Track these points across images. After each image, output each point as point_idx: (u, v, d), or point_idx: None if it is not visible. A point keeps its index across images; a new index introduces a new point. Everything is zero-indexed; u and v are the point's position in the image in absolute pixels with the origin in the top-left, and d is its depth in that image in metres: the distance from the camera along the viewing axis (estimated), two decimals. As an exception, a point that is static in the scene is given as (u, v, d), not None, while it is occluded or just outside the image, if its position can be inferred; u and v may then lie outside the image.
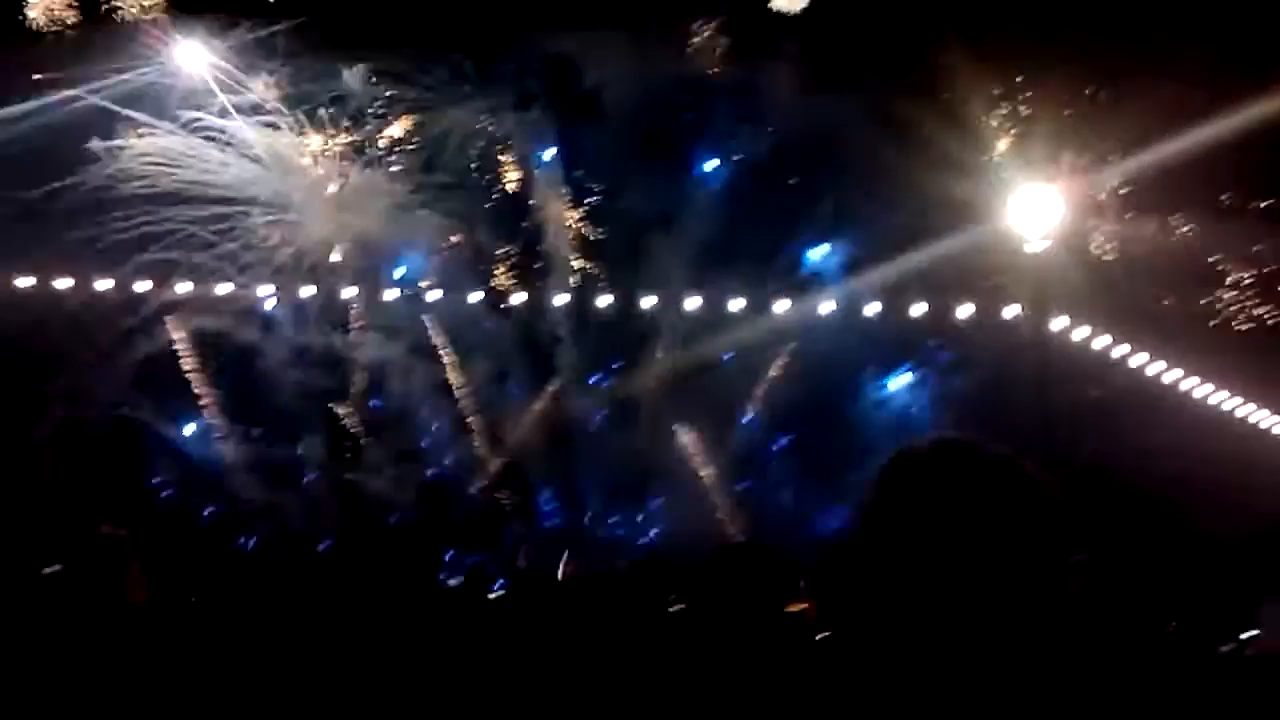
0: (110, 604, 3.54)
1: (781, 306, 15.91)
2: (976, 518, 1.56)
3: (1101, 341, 15.92)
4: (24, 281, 14.94)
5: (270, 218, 15.82)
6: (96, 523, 3.72)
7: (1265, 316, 15.34)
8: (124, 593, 3.60)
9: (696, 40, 15.93)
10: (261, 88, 15.81)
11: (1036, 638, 1.56)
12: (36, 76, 14.71)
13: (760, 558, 3.36)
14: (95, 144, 15.07)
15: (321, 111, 16.10)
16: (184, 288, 15.43)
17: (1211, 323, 15.36)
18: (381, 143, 16.47)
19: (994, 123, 14.55)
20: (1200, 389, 16.32)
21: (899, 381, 16.46)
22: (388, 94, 16.36)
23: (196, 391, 16.19)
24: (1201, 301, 15.35)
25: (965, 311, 15.86)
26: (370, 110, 16.33)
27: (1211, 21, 13.41)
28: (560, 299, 16.42)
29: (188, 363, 16.05)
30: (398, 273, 16.67)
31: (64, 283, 15.07)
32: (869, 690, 1.58)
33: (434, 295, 16.33)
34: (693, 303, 16.06)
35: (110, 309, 15.32)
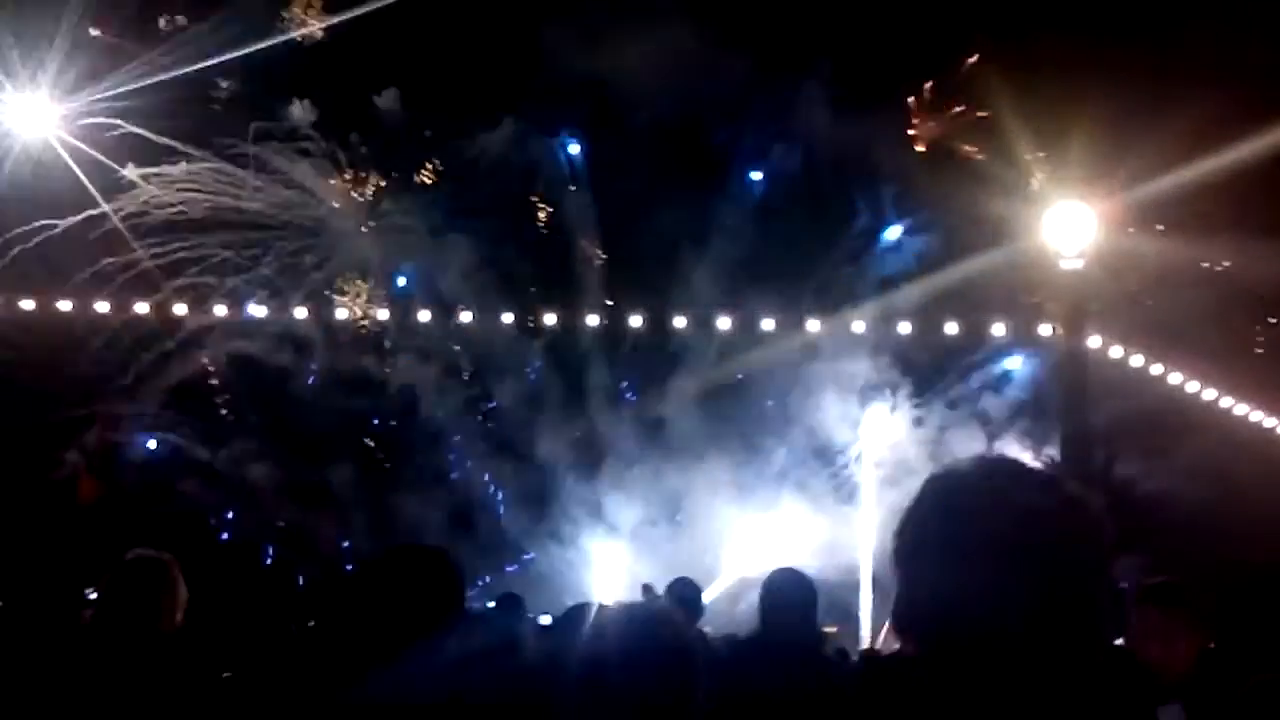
0: (150, 629, 3.56)
1: (814, 325, 15.87)
2: (1021, 538, 1.53)
3: (1137, 360, 15.78)
4: (63, 305, 15.13)
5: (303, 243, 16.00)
6: (137, 546, 3.74)
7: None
8: (166, 618, 3.61)
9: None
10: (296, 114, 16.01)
11: (1085, 662, 1.53)
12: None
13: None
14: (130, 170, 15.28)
15: (354, 138, 16.30)
16: (219, 311, 15.57)
17: (1258, 350, 15.15)
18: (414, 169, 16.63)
19: (1030, 140, 14.47)
20: (1239, 409, 16.14)
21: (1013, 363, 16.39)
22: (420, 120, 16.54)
23: (229, 415, 16.34)
24: (1242, 327, 15.15)
25: (1000, 329, 15.78)
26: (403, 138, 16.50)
27: (1253, 36, 13.28)
28: (591, 320, 16.46)
29: (221, 386, 16.20)
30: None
31: (101, 306, 15.24)
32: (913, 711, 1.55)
33: (466, 318, 16.41)
34: (724, 322, 16.04)
35: (146, 332, 15.51)
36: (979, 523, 1.53)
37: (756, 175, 16.74)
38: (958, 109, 15.66)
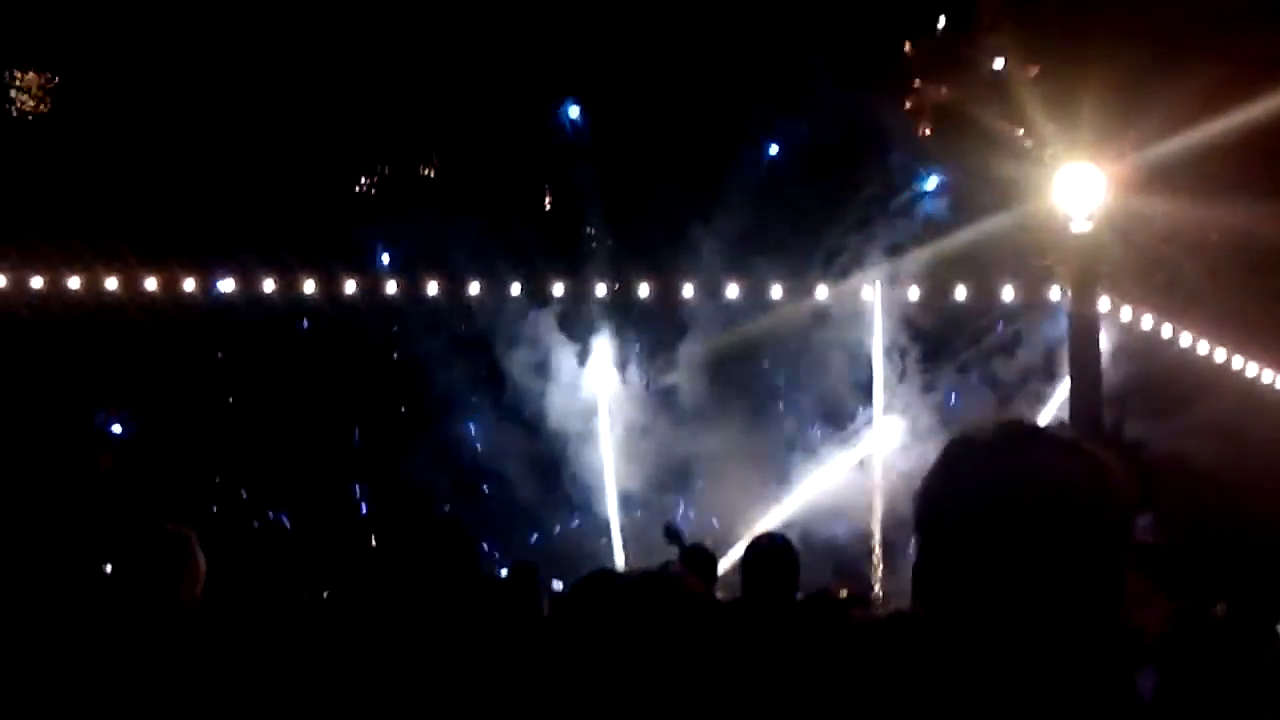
0: (170, 602, 3.58)
1: (823, 292, 15.84)
2: (1042, 503, 1.52)
3: (1148, 322, 15.73)
4: (73, 281, 15.14)
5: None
6: (160, 520, 3.75)
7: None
8: (186, 591, 3.62)
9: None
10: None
11: (1106, 625, 1.53)
12: None
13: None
14: None
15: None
16: (227, 285, 15.56)
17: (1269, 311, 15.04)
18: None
19: (1037, 97, 14.33)
20: (1251, 369, 16.11)
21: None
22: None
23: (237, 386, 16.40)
24: (1253, 288, 15.05)
25: (1009, 293, 15.74)
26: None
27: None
28: (599, 289, 16.45)
29: (229, 358, 16.25)
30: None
31: (111, 281, 15.25)
32: (937, 682, 1.55)
33: (474, 288, 16.40)
34: (733, 290, 16.01)
35: (158, 307, 15.54)
36: (999, 487, 1.53)
37: (773, 149, 16.60)
38: (964, 71, 15.50)
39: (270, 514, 16.52)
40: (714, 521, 14.69)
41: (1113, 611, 1.54)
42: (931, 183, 16.36)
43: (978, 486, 1.54)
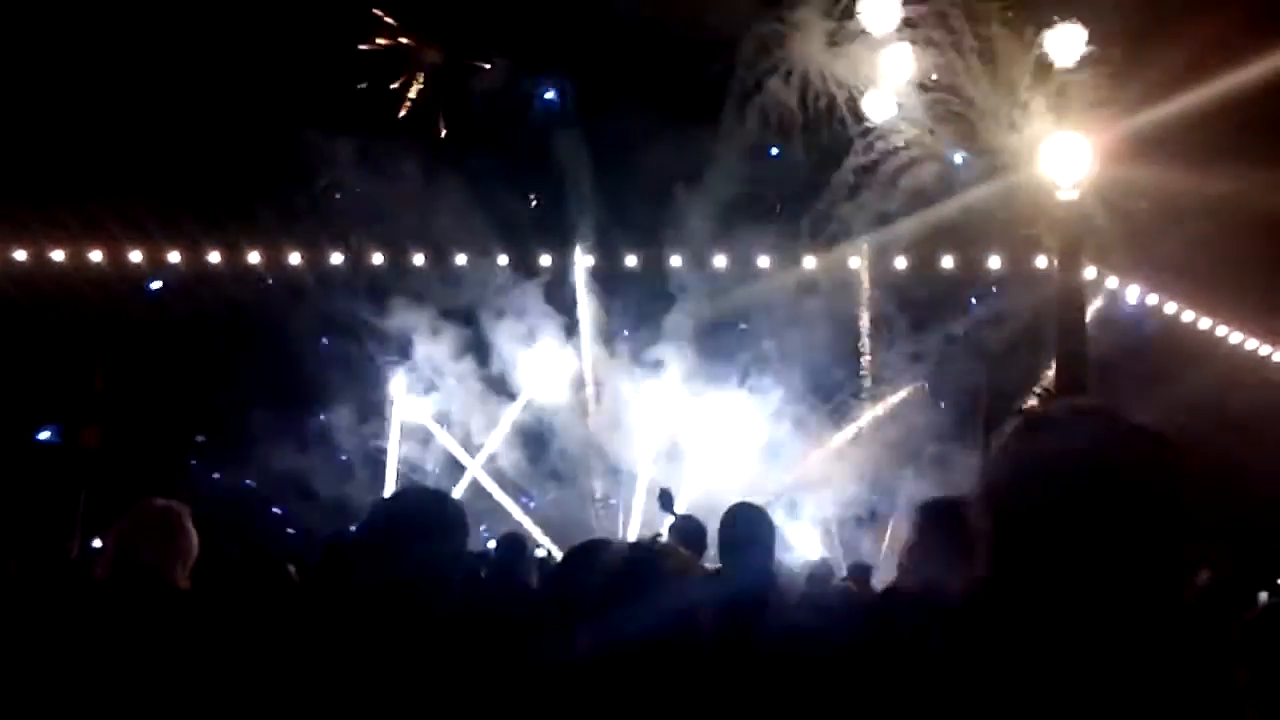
0: (162, 578, 3.56)
1: (810, 262, 15.82)
2: (1123, 489, 1.54)
3: (1134, 291, 15.78)
4: (56, 254, 15.05)
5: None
6: (148, 495, 3.72)
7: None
8: (179, 567, 3.60)
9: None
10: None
11: (1171, 612, 1.54)
12: None
13: None
14: None
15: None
16: (213, 258, 15.50)
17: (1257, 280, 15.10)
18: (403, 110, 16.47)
19: (1026, 66, 14.29)
20: (1235, 338, 16.18)
21: None
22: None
23: (229, 362, 16.32)
24: (1242, 257, 15.11)
25: (996, 263, 15.75)
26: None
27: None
28: (584, 260, 16.40)
29: (215, 334, 16.18)
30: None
31: (95, 254, 15.16)
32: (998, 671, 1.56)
33: (461, 260, 16.34)
34: (720, 260, 15.97)
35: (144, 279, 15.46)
36: (1077, 467, 1.55)
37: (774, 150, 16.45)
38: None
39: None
40: (701, 492, 14.71)
41: (1179, 586, 1.56)
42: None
43: (1054, 466, 1.56)
